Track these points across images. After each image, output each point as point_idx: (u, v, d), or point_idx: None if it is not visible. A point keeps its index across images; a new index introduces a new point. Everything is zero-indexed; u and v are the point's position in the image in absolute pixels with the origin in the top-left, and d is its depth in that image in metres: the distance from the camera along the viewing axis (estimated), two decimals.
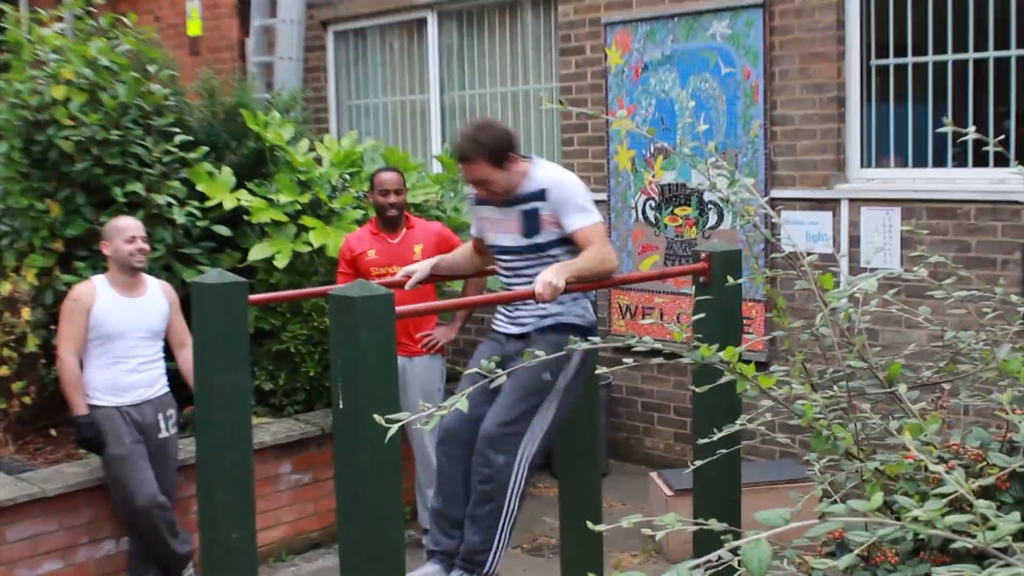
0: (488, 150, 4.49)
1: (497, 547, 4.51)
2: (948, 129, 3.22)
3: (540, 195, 4.54)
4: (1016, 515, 1.86)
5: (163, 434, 5.91)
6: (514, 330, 4.71)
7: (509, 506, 4.51)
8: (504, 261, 4.75)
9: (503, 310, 4.82)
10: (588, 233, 4.49)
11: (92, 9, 7.39)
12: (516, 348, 4.59)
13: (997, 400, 2.56)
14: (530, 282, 4.43)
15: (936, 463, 2.15)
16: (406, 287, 4.97)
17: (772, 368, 2.95)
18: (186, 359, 5.92)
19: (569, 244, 4.56)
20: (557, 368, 4.45)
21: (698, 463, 3.08)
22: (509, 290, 4.69)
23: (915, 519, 1.73)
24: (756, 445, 7.14)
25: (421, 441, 6.48)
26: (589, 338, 4.06)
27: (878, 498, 1.80)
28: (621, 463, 8.18)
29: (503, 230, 4.68)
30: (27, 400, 6.56)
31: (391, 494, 3.52)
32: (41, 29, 7.16)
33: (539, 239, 4.58)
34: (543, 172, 4.61)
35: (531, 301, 4.45)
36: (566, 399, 4.63)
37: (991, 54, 6.58)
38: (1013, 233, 6.37)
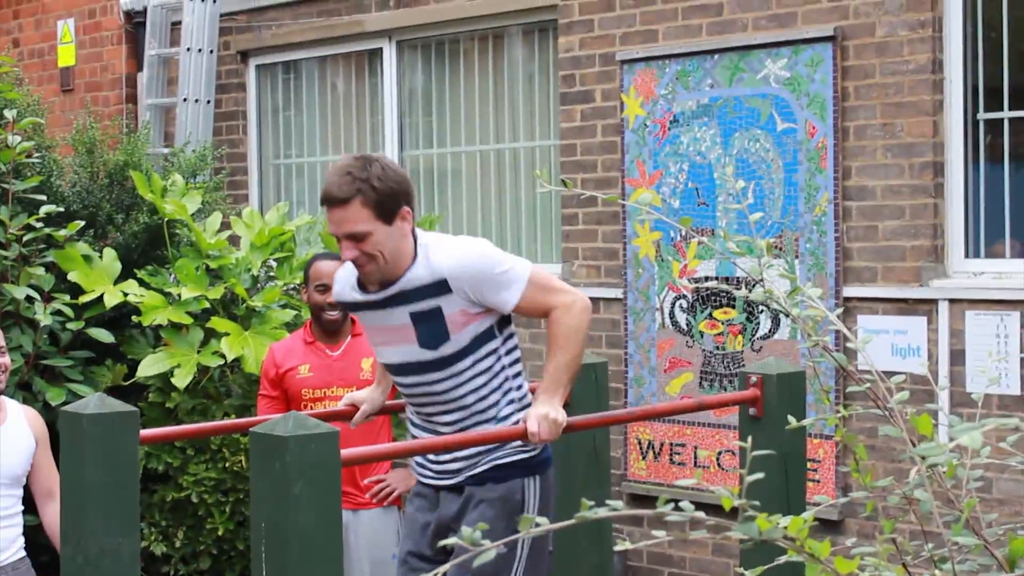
0: (373, 191, 4.35)
1: None
2: None
3: (439, 287, 4.42)
4: None
5: None
6: (444, 481, 4.68)
7: None
8: (403, 383, 4.68)
9: (423, 433, 4.76)
10: (532, 297, 4.44)
11: None
12: (453, 511, 4.62)
13: None
14: (449, 404, 4.49)
15: None
16: (352, 422, 4.97)
17: (849, 537, 2.95)
18: (54, 513, 5.87)
19: (489, 339, 4.53)
20: (511, 531, 4.44)
21: None
22: (421, 417, 4.66)
23: None
24: None
25: None
26: (543, 476, 4.15)
27: None
28: None
29: (393, 341, 4.59)
30: None
31: None
32: None
33: (447, 349, 4.49)
34: (435, 255, 4.46)
35: (450, 430, 4.51)
36: (535, 559, 4.62)
37: None
38: None
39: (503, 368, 4.57)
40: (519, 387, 4.63)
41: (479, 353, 4.50)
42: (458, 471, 4.61)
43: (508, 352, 4.59)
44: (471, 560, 4.37)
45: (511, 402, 4.59)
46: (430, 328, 4.45)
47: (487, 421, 4.55)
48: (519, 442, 4.50)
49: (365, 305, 4.62)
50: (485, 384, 4.53)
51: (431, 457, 4.67)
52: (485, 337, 4.50)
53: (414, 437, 4.80)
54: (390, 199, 4.36)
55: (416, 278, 4.43)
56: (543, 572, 4.68)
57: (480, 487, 4.56)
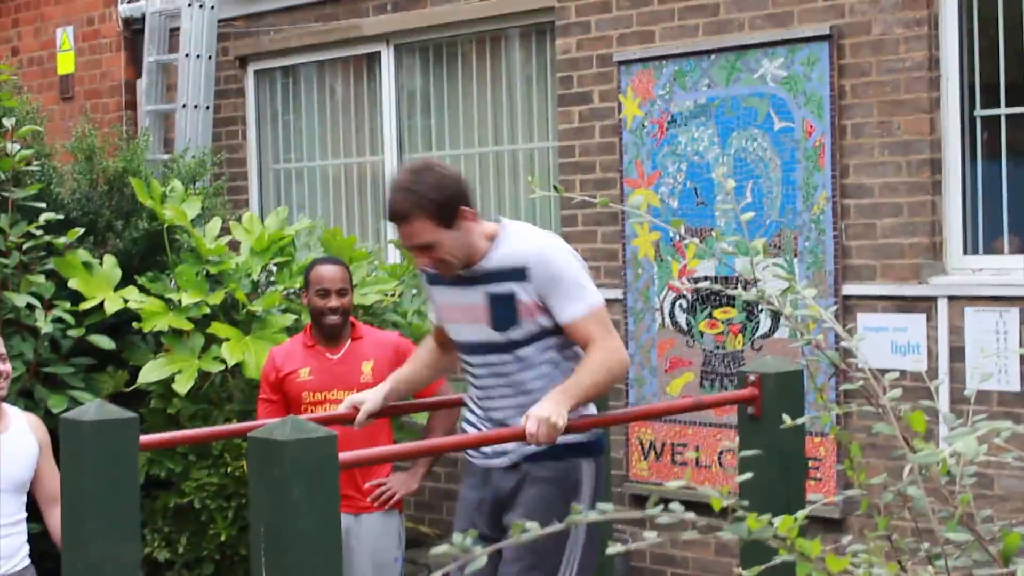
0: (430, 202, 4.47)
1: None
2: None
3: (518, 273, 4.55)
4: None
5: None
6: (498, 462, 4.75)
7: None
8: (470, 362, 4.79)
9: (473, 429, 4.86)
10: (588, 324, 4.53)
11: None
12: (509, 487, 4.67)
13: None
14: (512, 387, 4.56)
15: None
16: (355, 424, 4.99)
17: (847, 535, 2.96)
18: (57, 518, 5.89)
19: (558, 335, 4.62)
20: (567, 510, 4.47)
21: None
22: (481, 397, 4.75)
23: None
24: None
25: None
26: (598, 459, 4.16)
27: None
28: None
29: (465, 319, 4.71)
30: None
31: None
32: None
33: (516, 334, 4.60)
34: (520, 241, 4.64)
35: (512, 412, 4.55)
36: (589, 544, 4.69)
37: None
38: None
39: (568, 363, 4.64)
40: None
41: (546, 343, 4.61)
42: (513, 449, 4.67)
43: (569, 350, 4.66)
44: (530, 548, 4.48)
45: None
46: (503, 311, 4.57)
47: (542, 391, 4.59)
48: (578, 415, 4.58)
49: (443, 281, 4.73)
50: (549, 374, 4.62)
51: (482, 408, 4.78)
52: (552, 331, 4.60)
53: (467, 429, 4.92)
54: (447, 207, 4.48)
55: (497, 259, 4.58)
56: (595, 554, 4.72)
57: (536, 464, 4.64)
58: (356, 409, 5.03)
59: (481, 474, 4.82)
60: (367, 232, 9.80)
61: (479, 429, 4.82)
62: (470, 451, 4.86)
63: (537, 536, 4.50)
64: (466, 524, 4.77)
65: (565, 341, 4.63)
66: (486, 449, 4.77)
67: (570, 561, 4.65)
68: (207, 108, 10.31)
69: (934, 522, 2.82)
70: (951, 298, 7.01)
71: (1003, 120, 7.10)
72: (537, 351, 4.60)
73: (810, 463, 7.16)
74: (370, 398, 5.04)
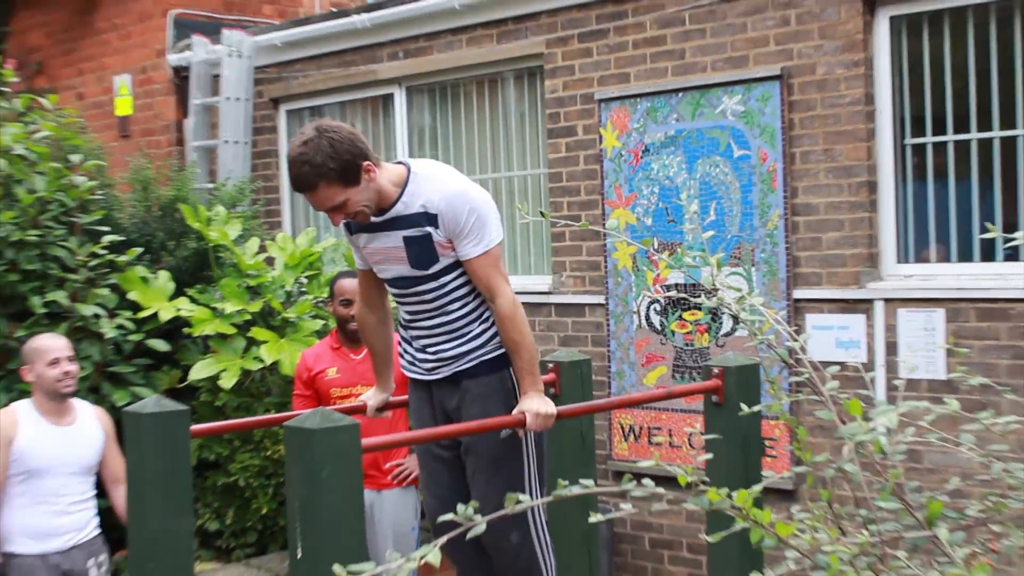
0: (330, 169, 4.19)
1: None
2: (998, 234, 3.31)
3: (429, 218, 4.37)
4: None
5: None
6: (437, 376, 4.67)
7: (546, 564, 4.75)
8: (398, 293, 4.65)
9: (408, 350, 4.75)
10: (487, 264, 4.40)
11: (4, 89, 7.49)
12: (450, 397, 4.63)
13: None
14: (436, 311, 4.49)
15: None
16: (368, 413, 5.00)
17: (798, 504, 2.99)
18: (121, 496, 5.91)
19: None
20: (509, 411, 4.47)
21: None
22: (409, 321, 4.65)
23: None
24: None
25: None
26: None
27: None
28: None
29: (387, 261, 4.55)
30: None
31: None
32: None
33: (434, 267, 4.46)
34: (428, 188, 4.38)
35: (438, 341, 4.54)
36: (537, 436, 4.65)
37: None
38: None
39: (473, 293, 4.52)
40: (484, 310, 4.56)
41: (460, 269, 4.45)
42: (446, 366, 4.59)
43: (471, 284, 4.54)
44: (489, 455, 4.49)
45: (483, 321, 4.55)
46: (421, 250, 4.40)
47: (462, 327, 4.54)
48: (497, 339, 4.54)
49: (362, 228, 4.53)
50: (464, 296, 4.51)
51: (419, 356, 4.65)
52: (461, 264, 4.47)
53: (404, 347, 4.78)
54: (349, 166, 4.21)
55: (407, 205, 4.37)
56: (544, 442, 4.71)
57: (473, 381, 4.56)
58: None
59: (424, 388, 4.73)
60: None
61: (409, 345, 4.72)
62: (412, 367, 4.73)
63: (489, 454, 4.57)
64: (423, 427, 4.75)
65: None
66: (424, 367, 4.66)
67: (528, 453, 4.61)
68: (245, 143, 10.32)
69: (869, 493, 2.85)
70: (886, 300, 7.04)
71: (929, 147, 7.12)
72: (454, 277, 4.47)
73: (766, 443, 7.18)
74: (373, 395, 5.04)
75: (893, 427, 2.54)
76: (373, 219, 4.43)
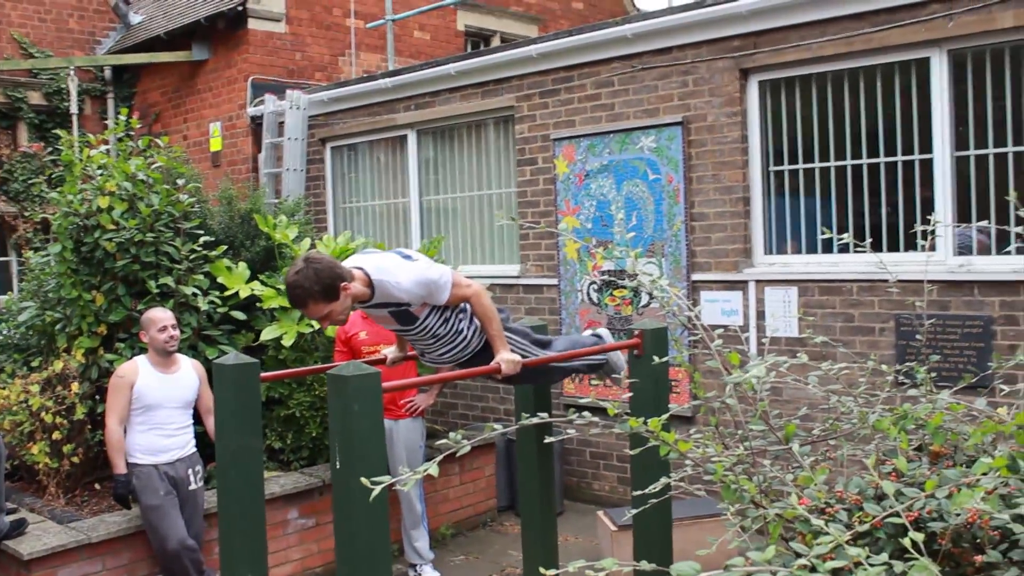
0: (315, 292, 3.97)
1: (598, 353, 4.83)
2: (833, 235, 3.30)
3: (402, 304, 4.22)
4: (884, 555, 1.90)
5: (192, 486, 5.88)
6: (443, 364, 4.63)
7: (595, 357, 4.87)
8: (398, 331, 4.53)
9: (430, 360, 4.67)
10: (455, 293, 4.27)
11: (131, 132, 7.44)
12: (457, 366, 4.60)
13: (871, 453, 2.61)
14: (429, 338, 4.39)
15: (823, 508, 2.19)
16: (387, 364, 4.97)
17: (695, 427, 3.00)
18: (211, 424, 5.90)
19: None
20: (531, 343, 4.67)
21: (635, 511, 3.10)
22: (419, 348, 4.56)
23: (802, 567, 1.77)
24: (686, 485, 7.14)
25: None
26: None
27: (771, 551, 1.83)
28: (573, 503, 8.16)
29: (381, 320, 4.42)
30: (75, 460, 6.50)
31: (381, 536, 3.52)
32: (89, 150, 7.20)
33: (418, 322, 4.34)
34: (391, 287, 4.17)
35: (437, 350, 4.45)
36: (522, 353, 4.61)
37: (865, 161, 6.73)
38: (887, 306, 6.47)
39: (453, 313, 4.39)
40: (464, 316, 4.43)
41: (438, 312, 4.32)
42: (450, 360, 4.54)
43: (451, 308, 4.42)
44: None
45: (466, 328, 4.43)
46: (404, 316, 4.28)
47: (452, 339, 4.43)
48: (479, 336, 4.46)
49: (364, 307, 4.39)
50: (450, 319, 4.37)
51: (427, 356, 4.55)
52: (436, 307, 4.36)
53: (425, 365, 4.78)
54: (329, 288, 3.98)
55: (382, 299, 4.20)
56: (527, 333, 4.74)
57: (473, 359, 4.53)
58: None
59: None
60: (400, 244, 9.75)
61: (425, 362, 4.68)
62: (423, 359, 4.66)
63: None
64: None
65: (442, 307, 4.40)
66: (435, 363, 4.61)
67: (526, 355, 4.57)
68: (301, 171, 10.28)
69: (744, 419, 2.85)
70: (757, 281, 7.03)
71: (787, 173, 7.11)
72: (435, 319, 4.34)
73: (672, 384, 7.18)
74: (393, 351, 5.01)
75: (762, 375, 2.53)
76: (366, 304, 4.27)
